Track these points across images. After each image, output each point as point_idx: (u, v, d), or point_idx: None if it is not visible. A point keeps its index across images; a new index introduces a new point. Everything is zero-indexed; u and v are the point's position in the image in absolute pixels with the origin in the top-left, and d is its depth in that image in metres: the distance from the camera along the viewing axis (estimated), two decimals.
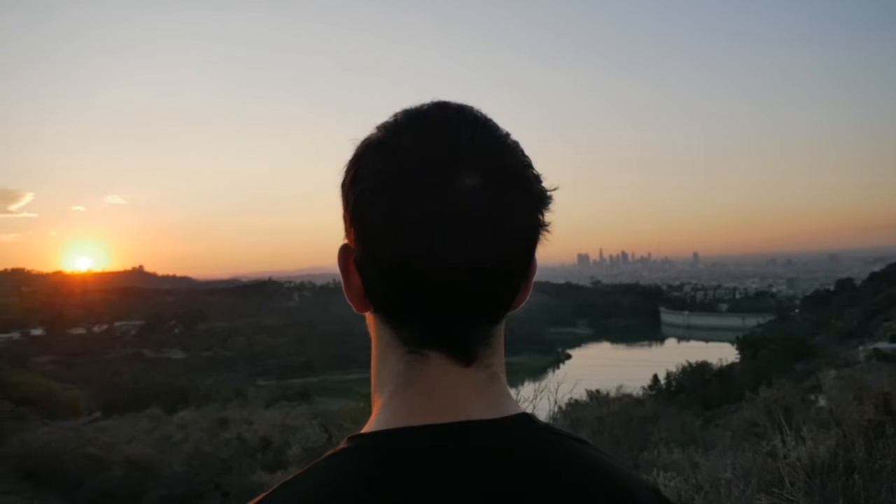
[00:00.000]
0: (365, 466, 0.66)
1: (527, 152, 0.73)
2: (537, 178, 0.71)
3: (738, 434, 6.95)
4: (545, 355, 74.53)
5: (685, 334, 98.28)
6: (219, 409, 19.10)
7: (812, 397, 10.36)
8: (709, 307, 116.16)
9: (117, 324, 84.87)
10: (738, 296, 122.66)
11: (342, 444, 0.69)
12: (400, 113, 0.72)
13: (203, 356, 75.21)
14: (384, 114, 0.73)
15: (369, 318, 0.76)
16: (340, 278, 0.75)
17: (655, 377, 36.26)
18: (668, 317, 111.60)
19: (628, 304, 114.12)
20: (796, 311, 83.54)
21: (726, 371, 36.65)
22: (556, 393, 7.44)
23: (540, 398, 7.26)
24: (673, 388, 34.32)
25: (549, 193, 0.72)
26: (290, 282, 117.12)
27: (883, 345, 33.26)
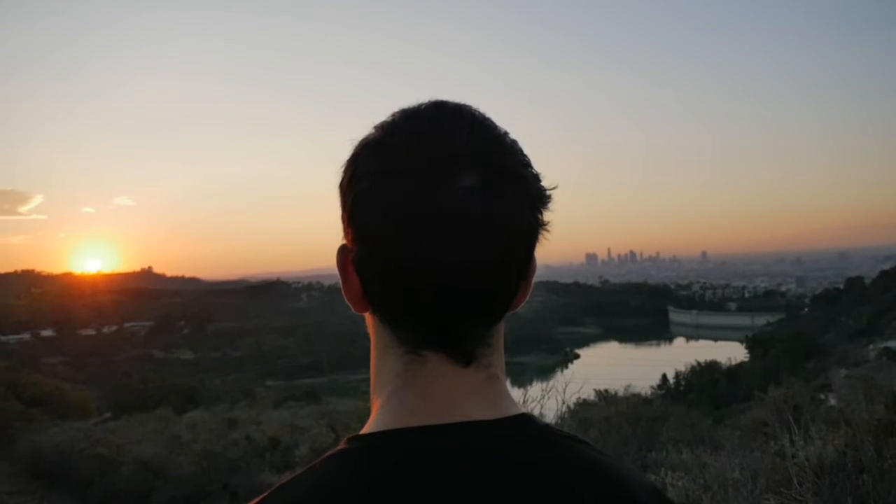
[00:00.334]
0: (363, 468, 0.65)
1: (526, 151, 0.73)
2: (536, 178, 0.71)
3: (747, 434, 6.92)
4: (553, 355, 74.49)
5: (694, 333, 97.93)
6: (227, 409, 19.17)
7: (822, 396, 10.30)
8: (717, 306, 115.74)
9: (127, 325, 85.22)
10: (746, 295, 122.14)
11: (341, 445, 0.69)
12: (397, 112, 0.71)
13: (212, 357, 75.45)
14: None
15: (368, 318, 0.75)
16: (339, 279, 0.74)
17: (664, 376, 36.15)
18: (676, 316, 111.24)
19: (636, 303, 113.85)
20: (806, 309, 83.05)
21: (735, 370, 36.46)
22: (564, 393, 7.42)
23: (548, 398, 7.24)
24: (682, 388, 34.20)
25: (547, 193, 0.72)
26: (299, 282, 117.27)
27: (893, 343, 32.98)
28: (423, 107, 0.71)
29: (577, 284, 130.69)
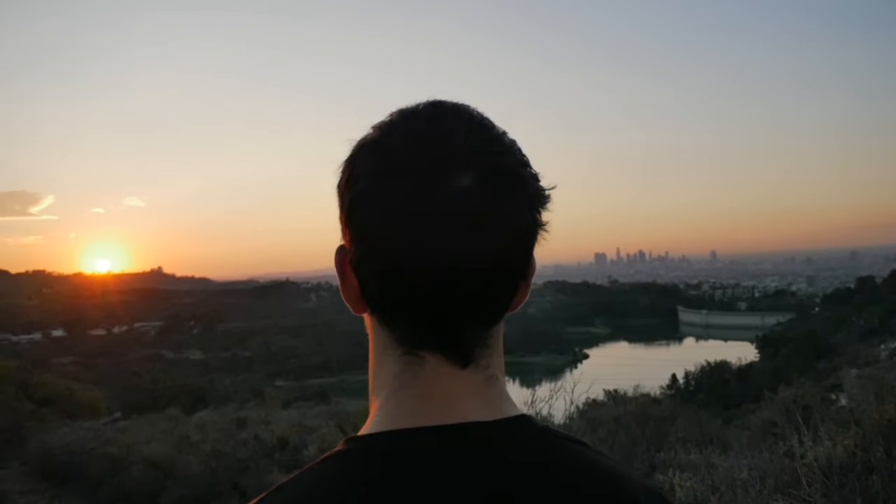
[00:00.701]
0: (360, 469, 0.65)
1: (527, 151, 0.72)
2: (534, 178, 0.70)
3: (757, 434, 6.89)
4: (562, 355, 74.36)
5: (703, 333, 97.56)
6: (237, 409, 19.20)
7: (833, 396, 10.24)
8: (727, 306, 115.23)
9: (137, 325, 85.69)
10: (756, 294, 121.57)
11: (338, 447, 0.69)
12: (395, 112, 0.71)
13: (221, 357, 75.69)
14: None
15: (367, 319, 0.75)
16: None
17: (674, 376, 36.07)
18: (686, 316, 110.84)
19: (646, 303, 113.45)
20: (816, 309, 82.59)
21: (745, 370, 36.34)
22: (573, 393, 7.40)
23: (556, 398, 7.22)
24: (692, 388, 34.13)
25: (546, 192, 0.71)
26: (308, 282, 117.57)
27: None
28: (420, 107, 0.71)
29: (586, 284, 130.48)
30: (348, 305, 0.74)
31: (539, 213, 0.70)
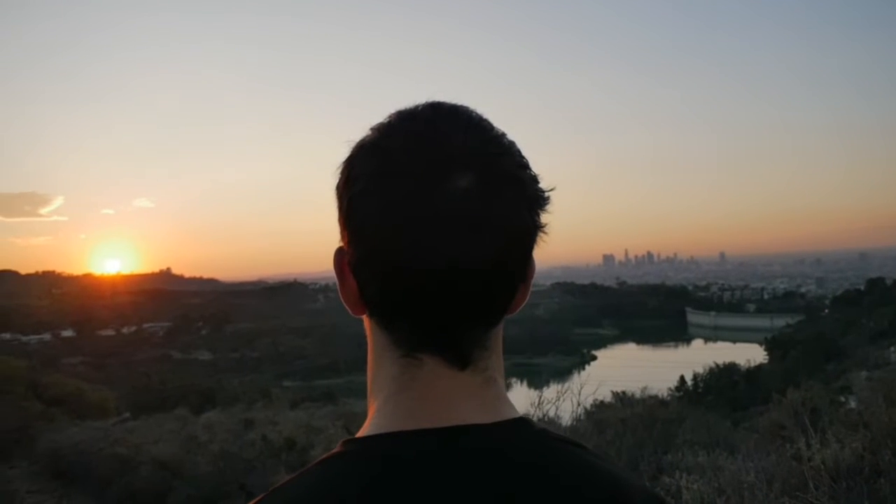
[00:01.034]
0: (357, 471, 0.65)
1: (527, 153, 0.72)
2: (533, 179, 0.70)
3: (765, 436, 6.86)
4: (570, 356, 74.29)
5: (712, 335, 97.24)
6: (244, 409, 19.23)
7: (842, 399, 10.19)
8: (736, 307, 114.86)
9: (145, 325, 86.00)
10: (766, 296, 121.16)
11: (336, 449, 0.69)
12: (393, 114, 0.71)
13: (229, 357, 75.87)
14: None
15: (366, 321, 0.75)
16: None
17: (682, 378, 35.91)
18: (694, 317, 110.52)
19: (654, 304, 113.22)
20: (826, 311, 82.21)
21: (754, 372, 36.16)
22: (580, 395, 7.38)
23: (563, 400, 7.20)
24: (700, 390, 33.97)
25: (545, 194, 0.71)
26: (316, 283, 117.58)
27: None
28: (419, 108, 0.71)
29: (594, 286, 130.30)
30: (347, 307, 0.74)
31: (538, 214, 0.70)
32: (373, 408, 0.72)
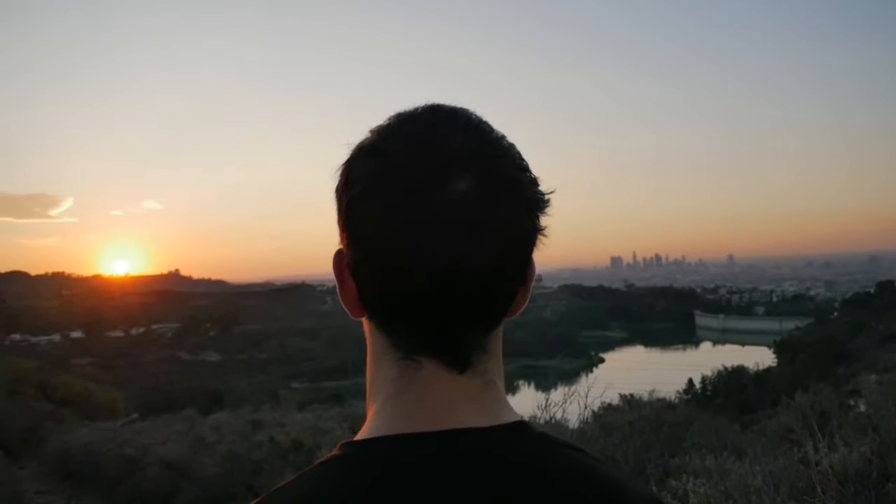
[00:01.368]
0: (356, 473, 0.65)
1: (530, 154, 0.72)
2: (533, 182, 0.70)
3: (773, 440, 6.83)
4: (578, 359, 74.11)
5: (720, 338, 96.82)
6: (252, 411, 19.28)
7: (851, 402, 10.13)
8: (745, 310, 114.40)
9: (154, 326, 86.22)
10: (774, 299, 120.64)
11: (334, 451, 0.69)
12: (393, 116, 0.71)
13: (237, 359, 75.96)
14: None
15: (365, 324, 0.75)
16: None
17: (690, 381, 35.81)
18: (702, 320, 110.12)
19: (662, 307, 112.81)
20: (835, 314, 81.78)
21: (763, 375, 36.01)
22: (587, 397, 7.36)
23: (570, 402, 7.19)
24: (708, 393, 33.86)
25: (545, 197, 0.71)
26: (323, 285, 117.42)
27: None
28: (418, 111, 0.71)
29: (601, 288, 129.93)
30: (346, 309, 0.74)
31: (538, 217, 0.70)
32: (371, 410, 0.72)
